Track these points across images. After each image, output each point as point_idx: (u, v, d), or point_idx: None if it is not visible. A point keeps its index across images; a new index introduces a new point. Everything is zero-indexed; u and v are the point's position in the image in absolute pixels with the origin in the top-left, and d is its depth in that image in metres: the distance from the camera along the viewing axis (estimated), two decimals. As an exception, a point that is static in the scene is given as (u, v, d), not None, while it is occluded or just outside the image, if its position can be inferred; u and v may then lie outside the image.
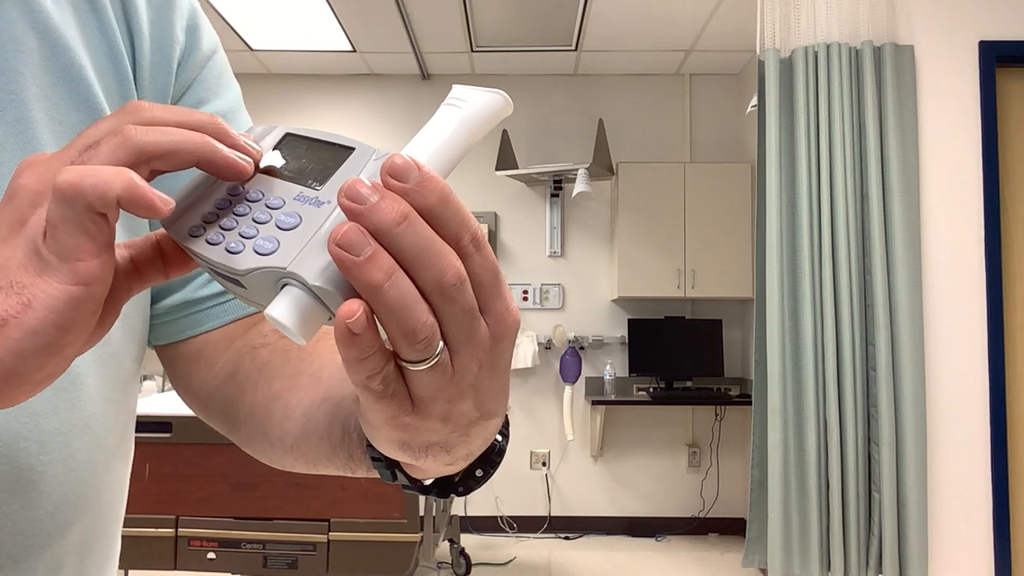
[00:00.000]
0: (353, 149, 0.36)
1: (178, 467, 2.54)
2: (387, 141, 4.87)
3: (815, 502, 2.96)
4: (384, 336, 0.31)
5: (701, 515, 4.72)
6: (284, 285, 0.32)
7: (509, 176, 4.60)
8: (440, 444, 0.35)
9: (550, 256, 4.84)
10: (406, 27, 4.15)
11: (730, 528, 4.67)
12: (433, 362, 0.31)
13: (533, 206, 4.86)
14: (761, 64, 3.14)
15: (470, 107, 0.36)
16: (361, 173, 0.34)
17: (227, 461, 2.52)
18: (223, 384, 0.56)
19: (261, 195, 0.35)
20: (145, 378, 3.36)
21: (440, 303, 0.31)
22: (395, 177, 0.30)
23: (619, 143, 4.80)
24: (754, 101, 3.26)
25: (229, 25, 4.08)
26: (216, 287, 0.58)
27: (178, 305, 0.57)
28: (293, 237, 0.32)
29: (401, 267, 0.30)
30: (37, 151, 0.47)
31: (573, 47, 4.46)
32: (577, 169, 4.41)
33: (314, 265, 0.31)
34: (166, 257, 0.37)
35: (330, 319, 0.32)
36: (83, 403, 0.49)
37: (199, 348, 0.58)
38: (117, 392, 0.54)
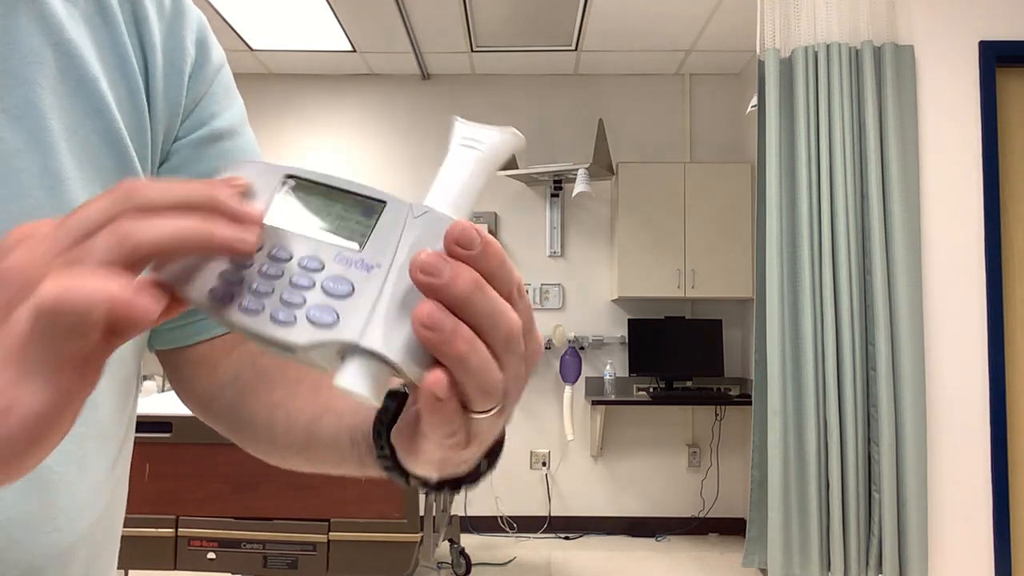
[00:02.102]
0: (384, 203, 0.34)
1: (178, 467, 2.54)
2: (387, 141, 4.87)
3: (815, 502, 2.96)
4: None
5: (701, 515, 4.72)
6: (346, 355, 0.32)
7: (509, 176, 4.60)
8: (467, 459, 0.38)
9: (550, 256, 4.84)
10: (406, 27, 4.15)
11: (730, 528, 4.67)
12: (499, 408, 0.34)
13: (533, 206, 4.86)
14: (761, 64, 3.14)
15: (487, 149, 0.36)
16: (403, 233, 0.33)
17: (227, 461, 2.52)
18: (225, 388, 0.57)
19: (289, 254, 0.33)
20: (145, 378, 3.36)
21: (504, 356, 0.33)
22: (461, 245, 0.31)
23: (619, 143, 4.80)
24: (754, 101, 3.26)
25: (229, 25, 4.08)
26: None
27: (187, 311, 0.58)
28: (352, 307, 0.32)
29: (470, 326, 0.31)
30: (55, 160, 0.48)
31: (573, 47, 4.46)
32: (577, 169, 4.41)
33: (390, 340, 0.31)
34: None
35: (393, 373, 0.33)
36: (95, 404, 0.50)
37: (203, 353, 0.59)
38: (122, 394, 0.55)
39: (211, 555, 2.52)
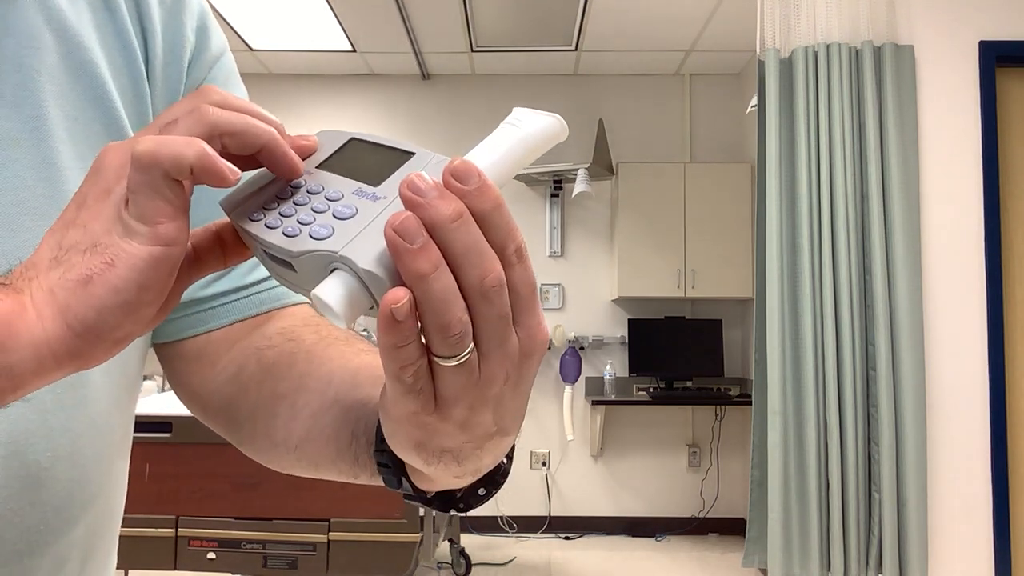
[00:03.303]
0: (413, 154, 0.38)
1: (178, 467, 2.54)
2: (387, 141, 4.87)
3: (815, 502, 2.96)
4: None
5: (701, 515, 4.72)
6: (333, 270, 0.34)
7: (509, 176, 4.60)
8: (453, 453, 0.36)
9: (550, 256, 4.84)
10: (406, 27, 4.15)
11: (730, 528, 4.67)
12: (462, 360, 0.32)
13: (533, 206, 4.86)
14: (761, 64, 3.14)
15: (527, 127, 0.38)
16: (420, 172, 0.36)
17: (227, 461, 2.52)
18: (225, 384, 0.56)
19: (321, 188, 0.38)
20: (145, 378, 3.36)
21: (478, 304, 0.32)
22: (456, 179, 0.32)
23: (619, 143, 4.80)
24: (754, 101, 3.26)
25: (229, 25, 4.09)
26: (220, 287, 0.58)
27: (181, 304, 0.57)
28: (348, 225, 0.35)
29: (447, 263, 0.31)
30: (52, 148, 0.47)
31: (573, 47, 4.46)
32: (577, 169, 4.41)
33: (366, 251, 0.33)
34: (225, 245, 0.40)
35: (372, 308, 0.34)
36: (89, 401, 0.50)
37: (200, 348, 0.58)
38: (122, 391, 0.54)
39: (211, 555, 2.52)
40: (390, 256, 0.31)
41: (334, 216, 0.35)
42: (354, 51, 4.52)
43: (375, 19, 4.09)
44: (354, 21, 4.12)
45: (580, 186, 4.39)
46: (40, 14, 0.48)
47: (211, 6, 3.81)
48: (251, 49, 4.45)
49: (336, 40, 4.35)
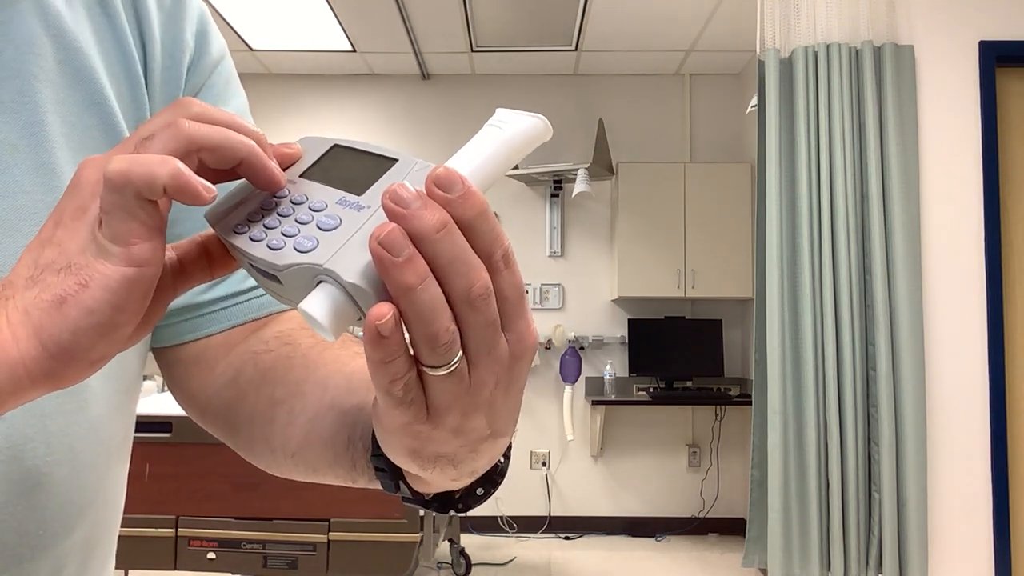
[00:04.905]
0: (396, 160, 0.38)
1: (178, 467, 2.54)
2: (387, 141, 4.87)
3: (815, 502, 2.96)
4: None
5: (701, 515, 4.72)
6: (319, 282, 0.34)
7: (509, 176, 4.61)
8: (448, 457, 0.36)
9: (550, 256, 4.84)
10: (406, 27, 4.15)
11: (730, 528, 4.67)
12: (451, 369, 0.32)
13: (533, 206, 4.86)
14: (761, 64, 3.14)
15: (511, 129, 0.37)
16: (403, 181, 0.35)
17: (227, 461, 2.52)
18: (223, 388, 0.56)
19: (305, 198, 0.37)
20: (145, 378, 3.36)
21: (465, 313, 0.32)
22: (440, 187, 0.31)
23: (619, 143, 4.80)
24: (754, 101, 3.26)
25: (229, 25, 4.09)
26: (218, 292, 0.58)
27: (180, 309, 0.57)
28: (332, 237, 0.34)
29: (433, 272, 0.31)
30: (50, 154, 0.47)
31: (573, 47, 4.46)
32: (577, 169, 4.41)
33: (351, 264, 0.33)
34: (211, 257, 0.40)
35: (360, 319, 0.33)
36: (88, 405, 0.49)
37: (199, 352, 0.58)
38: (121, 395, 0.54)
39: (211, 555, 2.52)
40: (376, 268, 0.31)
41: (318, 227, 0.35)
42: (354, 51, 4.53)
43: (375, 19, 4.09)
44: (354, 21, 4.12)
45: (580, 186, 4.39)
46: (38, 20, 0.48)
47: (211, 6, 3.82)
48: (251, 49, 4.45)
49: (336, 40, 4.35)
